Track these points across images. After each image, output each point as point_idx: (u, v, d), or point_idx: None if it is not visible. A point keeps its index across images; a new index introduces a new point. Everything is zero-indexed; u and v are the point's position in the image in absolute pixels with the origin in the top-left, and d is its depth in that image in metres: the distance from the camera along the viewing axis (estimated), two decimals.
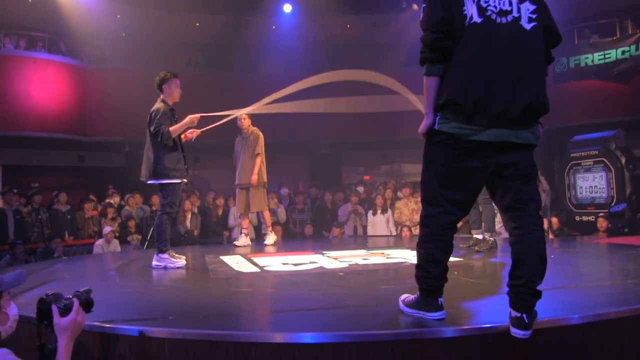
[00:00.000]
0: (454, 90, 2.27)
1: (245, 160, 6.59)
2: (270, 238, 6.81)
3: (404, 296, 2.65)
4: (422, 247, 2.47)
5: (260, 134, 6.67)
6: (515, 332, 2.26)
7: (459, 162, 2.32)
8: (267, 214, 6.99)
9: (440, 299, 2.48)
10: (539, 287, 2.30)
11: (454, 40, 2.29)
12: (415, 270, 2.52)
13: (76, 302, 2.10)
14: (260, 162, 6.56)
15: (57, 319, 2.04)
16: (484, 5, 2.29)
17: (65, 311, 2.06)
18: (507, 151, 2.31)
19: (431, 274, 2.45)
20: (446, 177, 2.36)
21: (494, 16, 2.28)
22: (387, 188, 9.80)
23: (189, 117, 4.98)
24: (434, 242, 2.42)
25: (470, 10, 2.28)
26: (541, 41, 2.37)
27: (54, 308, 2.05)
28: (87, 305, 2.17)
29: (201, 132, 5.29)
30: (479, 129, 2.27)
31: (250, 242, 6.84)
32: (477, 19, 2.27)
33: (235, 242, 6.77)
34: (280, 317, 2.94)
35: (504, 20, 2.29)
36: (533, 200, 2.37)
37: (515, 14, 2.31)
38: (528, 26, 2.31)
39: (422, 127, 2.41)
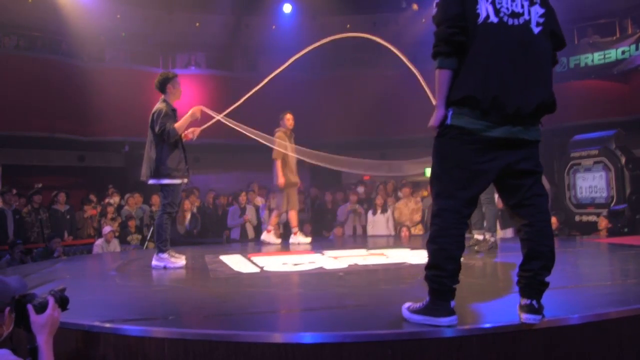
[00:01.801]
0: (472, 87, 2.30)
1: (295, 161, 6.87)
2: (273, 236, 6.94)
3: (407, 304, 2.52)
4: (437, 242, 2.37)
5: None
6: (527, 317, 2.34)
7: (472, 158, 2.33)
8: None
9: (452, 303, 2.39)
10: (547, 279, 2.39)
11: (468, 37, 2.32)
12: (426, 270, 2.42)
13: (51, 299, 2.12)
14: None
15: (34, 316, 2.04)
16: (498, 6, 2.34)
17: (41, 309, 2.07)
18: (516, 148, 2.36)
19: (445, 272, 2.36)
20: (460, 173, 2.36)
21: (505, 18, 2.34)
22: (386, 188, 9.80)
23: (191, 110, 5.01)
24: (450, 237, 2.36)
25: (485, 9, 2.32)
26: (548, 44, 2.42)
27: (30, 307, 2.05)
28: (62, 302, 2.18)
29: (201, 130, 5.27)
30: (492, 125, 2.30)
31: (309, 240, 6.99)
32: (493, 18, 2.32)
33: (295, 240, 6.80)
34: (280, 317, 2.94)
35: (515, 22, 2.34)
36: (540, 195, 2.42)
37: (526, 16, 2.36)
38: (536, 30, 2.37)
39: (434, 120, 2.40)
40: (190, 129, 5.15)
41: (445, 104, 2.37)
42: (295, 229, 6.87)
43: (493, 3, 2.33)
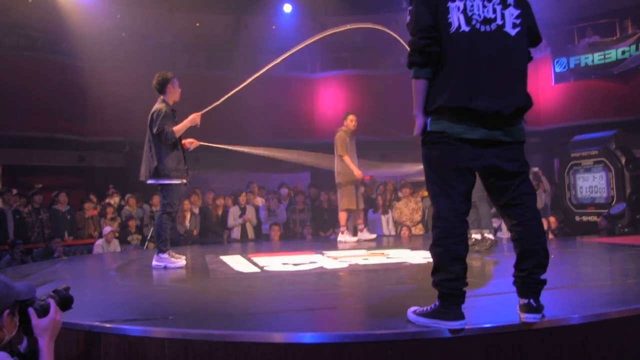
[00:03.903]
0: (446, 97, 2.34)
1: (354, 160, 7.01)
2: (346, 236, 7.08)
3: (413, 308, 2.49)
4: (441, 244, 2.36)
5: None
6: (527, 317, 2.37)
7: (457, 157, 2.37)
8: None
9: (462, 306, 2.37)
10: (543, 277, 2.40)
11: (441, 47, 2.37)
12: (433, 276, 2.40)
13: (53, 303, 2.10)
14: None
15: (35, 320, 2.03)
16: (470, 14, 2.36)
17: (42, 312, 2.06)
18: (500, 147, 2.39)
19: (453, 274, 2.33)
20: (449, 173, 2.39)
21: (478, 25, 2.36)
22: (386, 188, 9.80)
23: (191, 116, 5.04)
24: (453, 236, 2.36)
25: (457, 19, 2.36)
26: (525, 44, 2.46)
27: (31, 310, 2.04)
28: (66, 302, 2.18)
29: (200, 144, 5.41)
30: (470, 128, 2.34)
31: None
32: (465, 27, 2.35)
33: (364, 237, 7.01)
34: (280, 317, 2.94)
35: (487, 28, 2.37)
36: (528, 194, 2.46)
37: (499, 21, 2.38)
38: (513, 32, 2.40)
39: (416, 129, 2.47)
40: (189, 140, 5.23)
41: (424, 112, 2.43)
42: (361, 226, 7.09)
43: (464, 12, 2.36)
